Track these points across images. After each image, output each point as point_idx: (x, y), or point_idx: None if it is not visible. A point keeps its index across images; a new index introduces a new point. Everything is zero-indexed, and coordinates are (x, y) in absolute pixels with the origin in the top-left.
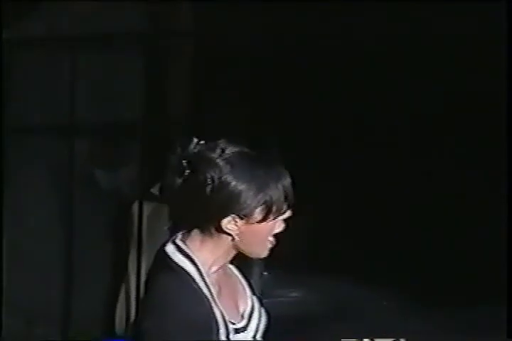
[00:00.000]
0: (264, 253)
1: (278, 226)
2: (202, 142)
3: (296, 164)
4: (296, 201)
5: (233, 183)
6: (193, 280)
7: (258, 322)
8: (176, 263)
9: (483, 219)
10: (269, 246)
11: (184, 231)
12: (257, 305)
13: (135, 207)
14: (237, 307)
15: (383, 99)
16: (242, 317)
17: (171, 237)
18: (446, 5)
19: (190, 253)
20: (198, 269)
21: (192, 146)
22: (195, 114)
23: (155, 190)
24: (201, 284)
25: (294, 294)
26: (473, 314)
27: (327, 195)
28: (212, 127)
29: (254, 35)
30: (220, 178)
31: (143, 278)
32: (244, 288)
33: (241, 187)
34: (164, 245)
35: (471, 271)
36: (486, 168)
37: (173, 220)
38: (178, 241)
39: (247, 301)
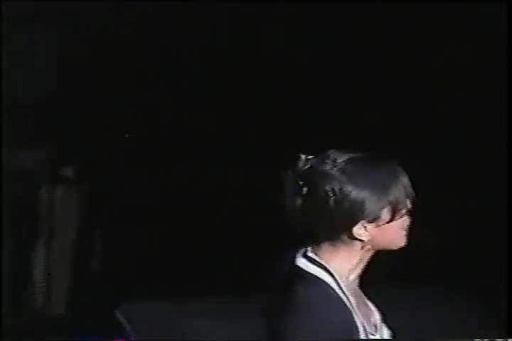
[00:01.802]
0: (402, 243)
1: (406, 219)
2: (310, 157)
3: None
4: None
5: (354, 191)
6: (333, 289)
7: (384, 335)
8: (312, 274)
9: (483, 219)
10: (405, 236)
11: (313, 245)
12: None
13: (45, 189)
14: (370, 318)
15: (383, 99)
16: (376, 327)
17: (296, 252)
18: (446, 5)
19: (324, 264)
20: (335, 279)
21: (301, 163)
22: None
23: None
24: (340, 293)
25: None
26: (473, 314)
27: None
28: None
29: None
30: (340, 189)
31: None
32: (368, 301)
33: (363, 193)
34: (293, 260)
35: (470, 270)
36: (486, 167)
37: (300, 237)
38: (310, 254)
39: (376, 313)
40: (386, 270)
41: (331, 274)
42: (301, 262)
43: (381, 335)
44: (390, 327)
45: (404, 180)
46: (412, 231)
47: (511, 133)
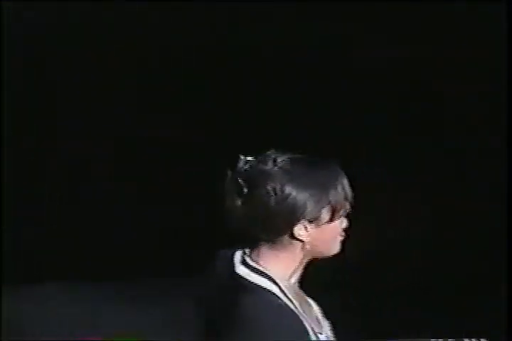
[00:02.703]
0: (337, 249)
1: (344, 222)
2: (249, 158)
3: None
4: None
5: (295, 191)
6: (280, 298)
7: (326, 327)
8: (255, 284)
9: (483, 220)
10: (340, 241)
11: (249, 250)
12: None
13: None
14: (313, 315)
15: (383, 99)
16: (319, 322)
17: (230, 253)
18: (446, 5)
19: (267, 272)
20: (279, 286)
21: (241, 164)
22: None
23: None
24: (286, 300)
25: None
26: (473, 314)
27: None
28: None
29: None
30: (281, 188)
31: None
32: (307, 297)
33: (304, 193)
34: (232, 267)
35: (471, 271)
36: (486, 168)
37: (235, 240)
38: (250, 262)
39: (315, 307)
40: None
41: (275, 283)
42: (242, 270)
43: (325, 330)
44: (328, 318)
45: (344, 181)
46: (347, 238)
47: (511, 133)
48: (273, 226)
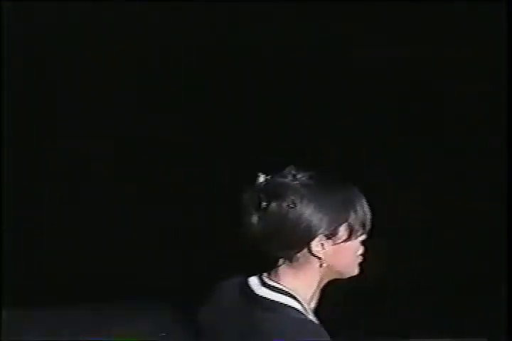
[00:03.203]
0: (355, 271)
1: (361, 245)
2: (268, 176)
3: None
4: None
5: (315, 204)
6: (302, 313)
7: None
8: (278, 302)
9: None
10: (358, 262)
11: (267, 274)
12: None
13: None
14: None
15: (383, 99)
16: None
17: (243, 281)
18: (446, 5)
19: (289, 291)
20: (303, 306)
21: (260, 180)
22: None
23: None
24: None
25: None
26: (473, 314)
27: None
28: None
29: None
30: (301, 201)
31: None
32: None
33: (323, 206)
34: (249, 291)
35: (471, 271)
36: (486, 168)
37: (256, 255)
38: (271, 283)
39: None
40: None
41: (298, 301)
42: (263, 291)
43: None
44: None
45: (363, 203)
46: (365, 261)
47: (511, 133)
48: (290, 241)
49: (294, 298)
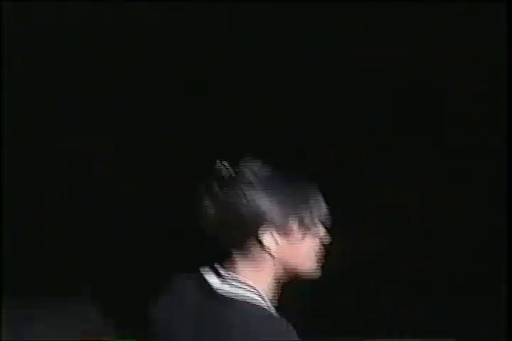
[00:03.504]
0: (313, 267)
1: (317, 242)
2: (226, 163)
3: None
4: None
5: (267, 198)
6: (269, 311)
7: None
8: (243, 300)
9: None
10: (317, 263)
11: (223, 269)
12: None
13: None
14: None
15: (383, 99)
16: None
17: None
18: (446, 5)
19: (252, 287)
20: (266, 302)
21: (217, 169)
22: None
23: None
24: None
25: None
26: (473, 314)
27: None
28: None
29: None
30: (252, 189)
31: None
32: None
33: (273, 199)
34: (207, 286)
35: (471, 271)
36: (486, 167)
37: (209, 243)
38: (229, 277)
39: None
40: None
41: (261, 296)
42: (223, 287)
43: None
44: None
45: (321, 201)
46: (322, 258)
47: (511, 133)
48: (238, 229)
49: (256, 293)
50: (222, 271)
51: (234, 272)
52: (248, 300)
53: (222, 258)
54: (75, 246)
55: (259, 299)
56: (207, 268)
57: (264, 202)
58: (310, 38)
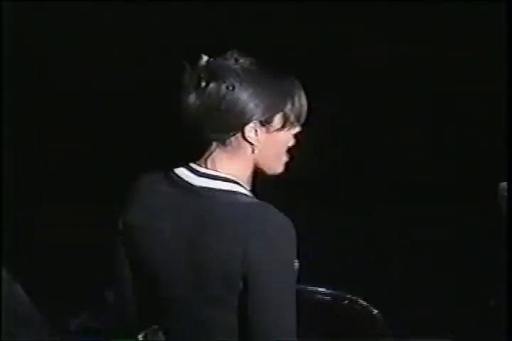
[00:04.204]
0: (280, 168)
1: (292, 138)
2: (210, 58)
3: None
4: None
5: (253, 89)
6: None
7: None
8: (227, 190)
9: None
10: (285, 160)
11: (198, 163)
12: None
13: None
14: None
15: (383, 99)
16: None
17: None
18: (446, 5)
19: (232, 178)
20: (245, 188)
21: (203, 61)
22: None
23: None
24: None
25: None
26: (473, 314)
27: None
28: None
29: None
30: (241, 84)
31: None
32: None
33: (261, 92)
34: (182, 183)
35: (471, 271)
36: (486, 167)
37: (187, 138)
38: (206, 170)
39: None
40: None
41: (242, 186)
42: (201, 181)
43: None
44: None
45: (301, 93)
46: (291, 159)
47: (511, 133)
48: (224, 123)
49: (237, 183)
50: (195, 166)
51: (210, 165)
52: (232, 191)
53: (195, 155)
54: (75, 246)
55: (242, 189)
56: (179, 168)
57: (252, 99)
58: (310, 38)
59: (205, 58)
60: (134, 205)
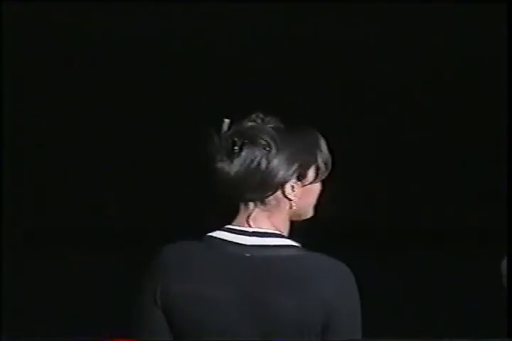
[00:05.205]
0: (311, 213)
1: (319, 187)
2: (232, 121)
3: None
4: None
5: (288, 148)
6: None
7: None
8: (286, 244)
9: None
10: (313, 208)
11: (238, 226)
12: None
13: None
14: None
15: (385, 96)
16: None
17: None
18: (447, 5)
19: (281, 233)
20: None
21: (226, 126)
22: None
23: None
24: None
25: None
26: (474, 314)
27: None
28: None
29: None
30: (275, 144)
31: None
32: None
33: (297, 150)
34: (233, 243)
35: (471, 271)
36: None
37: (227, 202)
38: (252, 229)
39: None
40: None
41: (289, 238)
42: (254, 240)
43: None
44: None
45: (325, 145)
46: (320, 204)
47: (511, 133)
48: (265, 184)
49: (285, 237)
50: (236, 227)
51: (253, 223)
52: (291, 245)
53: (232, 217)
54: (74, 246)
55: (296, 243)
56: (216, 232)
57: (289, 158)
58: (310, 38)
59: (227, 123)
60: (173, 273)
